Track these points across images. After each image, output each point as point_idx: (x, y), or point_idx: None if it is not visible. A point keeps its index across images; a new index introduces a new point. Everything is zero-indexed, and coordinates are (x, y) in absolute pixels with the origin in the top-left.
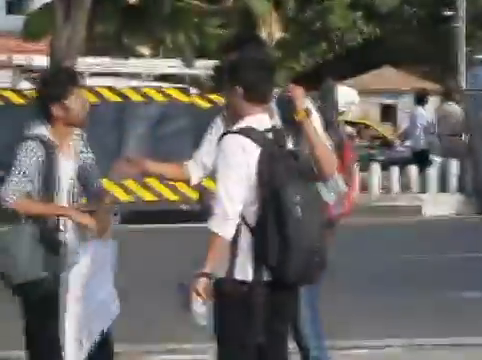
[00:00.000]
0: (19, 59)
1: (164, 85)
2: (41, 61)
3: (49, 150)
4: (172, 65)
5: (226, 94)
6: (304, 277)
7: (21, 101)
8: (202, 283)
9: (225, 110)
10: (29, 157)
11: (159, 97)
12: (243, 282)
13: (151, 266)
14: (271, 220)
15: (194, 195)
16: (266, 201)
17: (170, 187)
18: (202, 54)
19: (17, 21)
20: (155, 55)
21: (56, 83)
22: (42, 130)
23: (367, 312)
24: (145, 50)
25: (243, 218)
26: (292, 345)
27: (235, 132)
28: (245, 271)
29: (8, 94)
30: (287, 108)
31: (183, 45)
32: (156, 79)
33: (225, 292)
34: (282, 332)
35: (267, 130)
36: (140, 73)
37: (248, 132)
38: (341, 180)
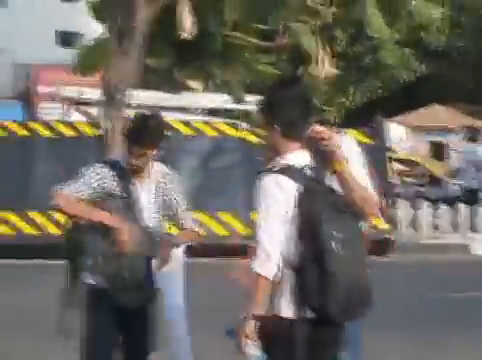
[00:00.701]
0: (70, 91)
1: (214, 119)
2: (92, 94)
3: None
4: (223, 100)
5: (264, 132)
6: (347, 314)
7: (72, 133)
8: (251, 326)
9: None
10: (94, 173)
11: (209, 131)
12: (287, 319)
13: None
14: (310, 257)
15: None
16: (305, 238)
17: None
18: (253, 89)
19: (68, 54)
20: (206, 89)
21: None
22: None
23: (412, 350)
24: (196, 84)
25: (284, 255)
26: None
27: (272, 170)
28: (289, 308)
29: (59, 126)
30: (321, 157)
31: (233, 80)
32: (206, 113)
33: (269, 329)
34: None
35: (305, 166)
36: (190, 107)
37: (285, 170)
38: None
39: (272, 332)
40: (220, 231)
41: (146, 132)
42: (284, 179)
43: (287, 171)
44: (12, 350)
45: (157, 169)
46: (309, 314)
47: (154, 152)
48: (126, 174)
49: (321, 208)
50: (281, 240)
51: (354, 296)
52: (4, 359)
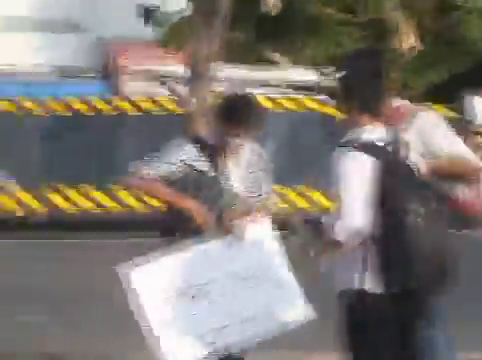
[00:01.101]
0: (154, 67)
1: (297, 94)
2: (177, 69)
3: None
4: (307, 74)
5: (342, 108)
6: (429, 288)
7: (157, 110)
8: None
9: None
10: (178, 149)
11: (292, 106)
12: (372, 293)
13: None
14: (391, 231)
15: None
16: (385, 212)
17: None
18: (338, 63)
19: (151, 29)
20: (290, 64)
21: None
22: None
23: None
24: (280, 59)
25: (366, 229)
26: None
27: (349, 146)
28: (373, 282)
29: (144, 103)
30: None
31: (317, 54)
32: (289, 88)
33: (354, 304)
34: (415, 342)
35: (382, 141)
36: (275, 82)
37: (362, 145)
38: None
39: (358, 307)
40: (305, 205)
41: (239, 113)
42: (361, 155)
43: (364, 146)
44: None
45: (247, 146)
46: (394, 288)
47: (246, 132)
48: (213, 151)
49: (399, 182)
50: (361, 215)
51: (437, 269)
52: None
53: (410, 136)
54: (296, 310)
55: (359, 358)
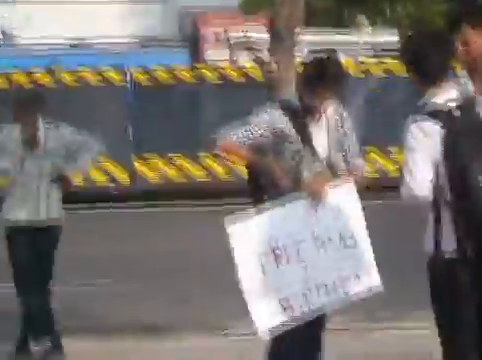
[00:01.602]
0: (237, 35)
1: (383, 58)
2: (259, 36)
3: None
4: (392, 37)
5: (409, 73)
6: None
7: (240, 77)
8: None
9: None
10: (263, 115)
11: (379, 71)
12: (446, 257)
13: None
14: (459, 198)
15: None
16: (455, 179)
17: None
18: (422, 26)
19: None
20: (374, 27)
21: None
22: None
23: None
24: (364, 22)
25: (441, 195)
26: None
27: (418, 117)
28: (449, 246)
29: (227, 70)
30: None
31: (401, 17)
32: (375, 51)
33: (434, 267)
34: None
35: (451, 106)
36: (359, 45)
37: (431, 114)
38: None
39: (434, 270)
40: (391, 168)
41: (326, 76)
42: (427, 124)
43: (430, 114)
44: None
45: (332, 109)
46: (469, 252)
47: (333, 95)
48: (300, 114)
49: (466, 146)
50: (425, 182)
51: None
52: None
53: None
54: (367, 280)
55: (441, 322)
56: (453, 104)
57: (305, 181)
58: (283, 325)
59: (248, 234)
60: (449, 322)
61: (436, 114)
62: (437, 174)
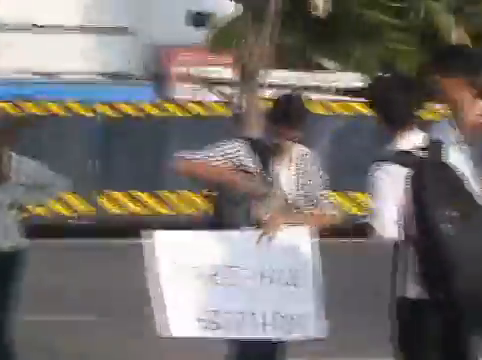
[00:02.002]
0: (203, 72)
1: (349, 99)
2: (226, 74)
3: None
4: (357, 79)
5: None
6: (475, 299)
7: (206, 113)
8: None
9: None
10: (226, 146)
11: (344, 110)
12: (412, 300)
13: None
14: (423, 239)
15: None
16: (419, 222)
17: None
18: (388, 69)
19: (200, 34)
20: (341, 69)
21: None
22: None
23: None
24: (330, 64)
25: (408, 239)
26: None
27: (382, 161)
28: (414, 289)
29: (193, 106)
30: None
31: (370, 60)
32: (341, 93)
33: (399, 310)
34: (461, 352)
35: (417, 148)
36: (325, 87)
37: (395, 157)
38: None
39: (399, 312)
40: (355, 211)
41: (291, 113)
42: (393, 167)
43: (397, 158)
44: None
45: (298, 150)
46: (436, 295)
47: (297, 134)
48: (267, 152)
49: (431, 190)
50: (392, 223)
51: (476, 280)
52: None
53: None
54: (304, 325)
55: None
56: (420, 150)
57: (264, 216)
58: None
59: (181, 244)
60: None
61: (403, 159)
62: (403, 217)
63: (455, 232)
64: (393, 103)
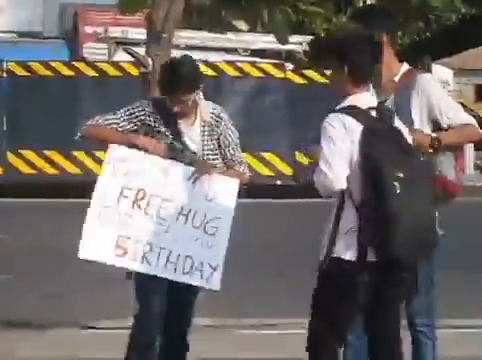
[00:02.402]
0: (115, 32)
1: (260, 60)
2: (138, 34)
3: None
4: (268, 40)
5: (332, 73)
6: (409, 255)
7: (117, 73)
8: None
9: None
10: (131, 107)
11: (254, 72)
12: (347, 261)
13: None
14: (370, 198)
15: (288, 171)
16: (367, 178)
17: (265, 163)
18: (298, 30)
19: None
20: (252, 30)
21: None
22: None
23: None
24: (242, 25)
25: (349, 195)
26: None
27: (338, 111)
28: (350, 250)
29: (104, 66)
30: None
31: (279, 21)
32: (252, 54)
33: (328, 270)
34: (389, 312)
35: (371, 108)
36: (236, 48)
37: (351, 111)
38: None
39: (334, 274)
40: (264, 171)
41: (177, 79)
42: (348, 119)
43: (352, 112)
44: None
45: (206, 110)
46: (370, 256)
47: (191, 96)
48: (169, 113)
49: (383, 148)
50: (341, 175)
51: (417, 237)
52: None
53: (414, 100)
54: (207, 273)
55: (322, 320)
56: (371, 105)
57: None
58: (106, 258)
59: (124, 160)
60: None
61: (357, 114)
62: (350, 171)
63: (402, 191)
64: (361, 56)
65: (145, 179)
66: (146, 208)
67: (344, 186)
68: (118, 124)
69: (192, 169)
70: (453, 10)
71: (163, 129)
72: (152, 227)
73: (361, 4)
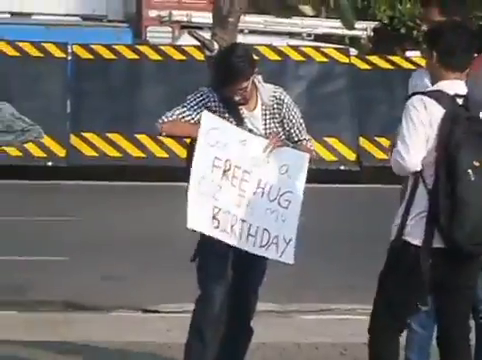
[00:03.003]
0: (179, 15)
1: (324, 45)
2: (201, 18)
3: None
4: (332, 25)
5: (425, 58)
6: (476, 244)
7: (181, 57)
8: None
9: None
10: (196, 96)
11: (318, 57)
12: (414, 245)
13: None
14: (443, 183)
15: (352, 156)
16: (443, 163)
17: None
18: (362, 16)
19: None
20: (316, 15)
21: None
22: None
23: None
24: (307, 10)
25: (422, 179)
26: None
27: (421, 93)
28: (418, 234)
29: (168, 50)
30: None
31: (345, 6)
32: (316, 39)
33: (396, 252)
34: (457, 299)
35: (458, 95)
36: (300, 32)
37: (435, 94)
38: None
39: (401, 257)
40: (328, 156)
41: (228, 72)
42: (432, 102)
43: (436, 96)
44: None
45: (266, 94)
46: (438, 242)
47: (246, 84)
48: (234, 101)
49: (463, 135)
50: (417, 155)
51: None
52: None
53: None
54: (282, 247)
55: (385, 302)
56: (459, 92)
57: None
58: (206, 229)
59: (216, 129)
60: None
61: (441, 98)
62: (426, 154)
63: (476, 180)
64: (450, 43)
65: (230, 149)
66: (232, 179)
67: (419, 168)
68: (191, 116)
69: (267, 141)
70: None
71: (227, 115)
72: (237, 199)
73: None
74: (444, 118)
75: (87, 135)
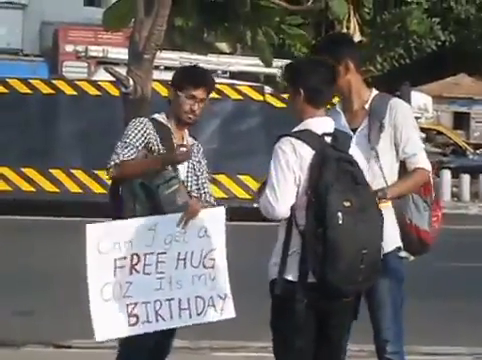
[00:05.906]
0: (95, 50)
1: (239, 82)
2: (117, 53)
3: (161, 128)
4: (247, 63)
5: (288, 96)
6: (348, 284)
7: (96, 92)
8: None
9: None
10: (137, 129)
11: (233, 94)
12: (291, 283)
13: None
14: (314, 226)
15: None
16: (313, 205)
17: (241, 185)
18: (280, 53)
19: (94, 13)
20: (233, 52)
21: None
22: (160, 115)
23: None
24: (224, 47)
25: (295, 221)
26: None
27: (290, 135)
28: (294, 272)
29: (83, 85)
30: None
31: (262, 43)
32: (232, 77)
33: (276, 292)
34: (334, 338)
35: (326, 134)
36: (215, 69)
37: (303, 135)
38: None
39: (278, 294)
40: (241, 194)
41: (200, 71)
42: (300, 144)
43: (304, 136)
44: None
45: (186, 133)
46: (311, 279)
47: (206, 96)
48: (168, 133)
49: (332, 176)
50: (286, 201)
51: (359, 267)
52: None
53: (386, 125)
54: (220, 305)
55: (280, 345)
56: (326, 130)
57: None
58: (123, 331)
59: (107, 235)
60: (282, 350)
61: (311, 140)
62: (296, 198)
63: (346, 222)
64: (315, 79)
65: (134, 243)
66: (144, 269)
67: (287, 214)
68: (139, 151)
69: (179, 216)
70: (433, 37)
71: (160, 147)
72: (154, 284)
73: (343, 29)
74: (313, 162)
75: (0, 169)
